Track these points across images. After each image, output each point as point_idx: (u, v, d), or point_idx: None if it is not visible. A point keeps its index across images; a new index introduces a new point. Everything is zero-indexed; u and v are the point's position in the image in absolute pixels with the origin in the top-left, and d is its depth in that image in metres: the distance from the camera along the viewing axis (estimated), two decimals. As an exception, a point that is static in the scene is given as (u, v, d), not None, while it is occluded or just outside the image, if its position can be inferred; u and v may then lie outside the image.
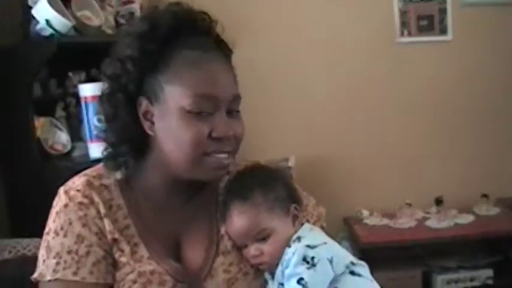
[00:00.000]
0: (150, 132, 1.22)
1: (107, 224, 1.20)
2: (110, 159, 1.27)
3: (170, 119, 1.18)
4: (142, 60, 1.19)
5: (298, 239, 1.23)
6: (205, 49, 1.20)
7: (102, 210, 1.21)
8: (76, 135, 2.75)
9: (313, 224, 1.34)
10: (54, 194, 1.25)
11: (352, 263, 1.24)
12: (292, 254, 1.19)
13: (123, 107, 1.22)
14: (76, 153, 2.68)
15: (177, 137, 1.18)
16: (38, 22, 2.47)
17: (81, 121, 2.68)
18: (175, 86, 1.17)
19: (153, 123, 1.21)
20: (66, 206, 1.21)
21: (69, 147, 2.68)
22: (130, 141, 1.24)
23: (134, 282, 1.17)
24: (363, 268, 1.26)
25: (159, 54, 1.19)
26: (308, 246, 1.20)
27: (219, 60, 1.21)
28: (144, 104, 1.21)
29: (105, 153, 1.28)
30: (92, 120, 2.49)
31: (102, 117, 1.27)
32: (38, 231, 1.30)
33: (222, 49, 1.26)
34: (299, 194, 1.34)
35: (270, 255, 1.23)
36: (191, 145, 1.17)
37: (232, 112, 1.21)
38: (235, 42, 1.29)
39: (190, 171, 1.20)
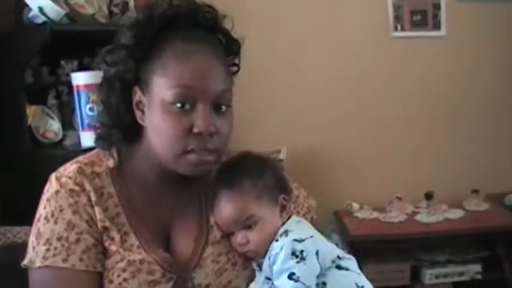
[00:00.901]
0: (140, 122, 1.22)
1: (98, 212, 1.20)
2: (101, 139, 1.28)
3: (155, 110, 1.18)
4: (135, 49, 1.19)
5: (286, 233, 1.23)
6: (196, 41, 1.18)
7: (93, 197, 1.21)
8: (68, 123, 2.75)
9: (303, 215, 1.35)
10: (45, 182, 1.25)
11: (339, 257, 1.24)
12: (280, 249, 1.19)
13: (119, 94, 1.23)
14: (68, 142, 2.67)
15: (159, 130, 1.18)
16: (30, 9, 2.46)
17: (73, 110, 2.67)
18: (161, 76, 1.17)
19: (143, 113, 1.22)
20: (57, 192, 1.21)
21: (60, 136, 2.67)
22: (123, 128, 1.24)
23: (123, 270, 1.17)
24: (350, 262, 1.26)
25: (151, 44, 1.19)
26: (296, 240, 1.20)
27: (207, 52, 1.19)
28: (138, 93, 1.22)
29: (97, 132, 1.29)
30: (84, 109, 2.49)
31: (99, 101, 1.27)
32: (28, 219, 1.30)
33: (230, 47, 1.26)
34: (289, 184, 1.34)
35: (256, 244, 1.23)
36: (171, 141, 1.17)
37: (220, 107, 1.20)
38: (244, 38, 1.28)
39: (171, 165, 1.20)
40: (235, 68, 1.30)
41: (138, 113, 1.22)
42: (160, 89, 1.17)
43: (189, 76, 1.16)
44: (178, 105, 1.16)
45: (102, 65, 1.25)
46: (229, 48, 1.27)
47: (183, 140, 1.16)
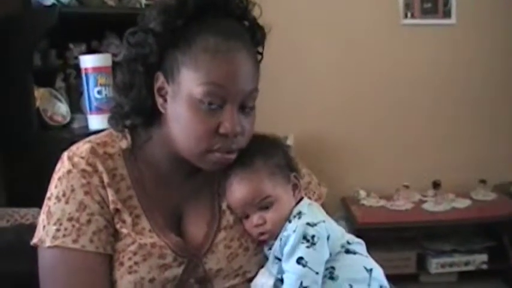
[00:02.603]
0: (161, 109, 1.19)
1: (110, 194, 1.19)
2: (115, 120, 1.25)
3: (180, 103, 1.15)
4: (164, 35, 1.15)
5: (299, 214, 1.22)
6: (230, 36, 1.15)
7: (106, 179, 1.19)
8: (75, 106, 2.75)
9: (315, 201, 1.34)
10: (52, 164, 1.24)
11: (348, 242, 1.24)
12: (293, 231, 1.18)
13: (141, 77, 1.19)
14: (75, 125, 2.67)
15: (184, 125, 1.16)
16: (40, -9, 2.46)
17: (81, 93, 2.67)
18: (191, 70, 1.13)
19: (165, 100, 1.19)
20: (69, 172, 1.19)
21: (68, 119, 2.67)
22: (143, 113, 1.22)
23: (134, 254, 1.17)
24: (359, 245, 1.26)
25: (182, 32, 1.15)
26: (308, 224, 1.19)
27: (241, 50, 1.15)
28: (160, 79, 1.18)
29: (112, 112, 1.26)
30: (92, 92, 2.49)
31: (118, 84, 1.24)
32: (36, 201, 1.30)
33: (255, 35, 1.23)
34: (297, 163, 1.34)
35: (273, 223, 1.22)
36: (196, 139, 1.15)
37: (246, 107, 1.18)
38: (271, 26, 1.25)
39: (192, 159, 1.19)
40: (259, 57, 1.27)
41: (159, 100, 1.19)
42: (190, 83, 1.14)
43: (222, 75, 1.13)
44: (206, 103, 1.13)
45: (125, 45, 1.22)
46: (254, 37, 1.23)
47: (208, 140, 1.15)
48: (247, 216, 1.24)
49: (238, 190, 1.23)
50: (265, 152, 1.25)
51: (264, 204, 1.22)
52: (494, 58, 3.73)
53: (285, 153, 1.31)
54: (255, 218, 1.23)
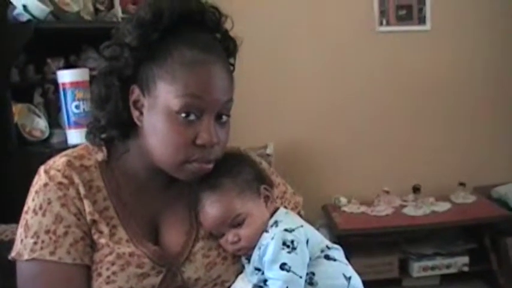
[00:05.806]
0: (137, 122, 1.20)
1: (87, 205, 1.20)
2: (93, 134, 1.26)
3: (157, 115, 1.17)
4: (140, 49, 1.16)
5: (276, 223, 1.23)
6: (205, 49, 1.16)
7: (82, 191, 1.20)
8: (54, 121, 2.74)
9: (291, 210, 1.35)
10: (31, 180, 1.24)
11: (328, 247, 1.25)
12: (271, 239, 1.19)
13: (116, 90, 1.20)
14: (54, 140, 2.67)
15: (161, 137, 1.17)
16: (15, 7, 2.45)
17: (59, 108, 2.66)
18: (167, 83, 1.15)
19: (142, 113, 1.20)
20: (45, 185, 1.20)
21: (47, 134, 2.66)
22: (119, 126, 1.22)
23: (112, 264, 1.17)
24: (337, 252, 1.26)
25: (158, 46, 1.16)
26: (286, 230, 1.20)
27: (217, 62, 1.17)
28: (136, 92, 1.19)
29: (89, 127, 1.27)
30: (70, 106, 2.48)
31: (94, 97, 1.24)
32: (15, 217, 1.30)
33: (227, 47, 1.24)
34: (267, 173, 1.35)
35: (248, 239, 1.23)
36: (173, 150, 1.16)
37: (221, 117, 1.20)
38: (242, 39, 1.26)
39: (170, 171, 1.20)
40: (232, 68, 1.28)
41: (135, 113, 1.20)
42: (167, 95, 1.15)
43: (199, 86, 1.14)
44: (183, 115, 1.15)
45: (100, 59, 1.23)
46: (227, 48, 1.25)
47: (185, 151, 1.16)
48: (222, 235, 1.25)
49: (210, 213, 1.23)
50: (231, 170, 1.25)
51: (236, 222, 1.23)
52: (469, 63, 3.78)
53: (252, 166, 1.31)
54: (230, 236, 1.23)
